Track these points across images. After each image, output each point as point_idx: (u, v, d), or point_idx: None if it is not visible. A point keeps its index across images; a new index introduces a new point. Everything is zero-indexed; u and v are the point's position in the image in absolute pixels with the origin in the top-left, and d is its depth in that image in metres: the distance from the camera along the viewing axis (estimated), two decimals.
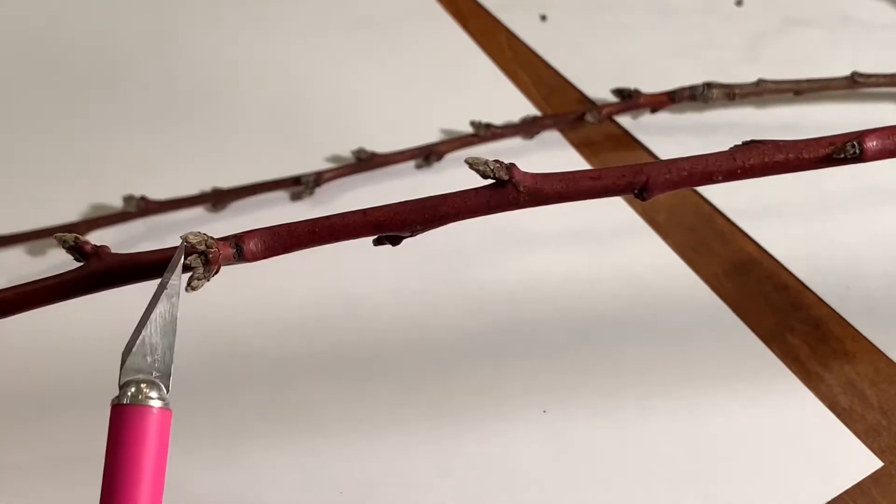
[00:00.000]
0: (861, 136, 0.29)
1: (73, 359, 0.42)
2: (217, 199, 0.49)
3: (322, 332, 0.43)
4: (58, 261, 0.44)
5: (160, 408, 0.24)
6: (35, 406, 0.41)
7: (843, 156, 0.29)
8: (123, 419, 0.24)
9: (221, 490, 0.38)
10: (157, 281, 0.26)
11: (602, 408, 0.40)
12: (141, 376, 0.25)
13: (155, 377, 0.25)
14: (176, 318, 0.25)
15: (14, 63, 0.61)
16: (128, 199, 0.49)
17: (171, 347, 0.25)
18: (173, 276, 0.26)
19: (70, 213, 0.49)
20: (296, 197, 0.50)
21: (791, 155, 0.29)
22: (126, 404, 0.24)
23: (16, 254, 0.48)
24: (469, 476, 0.38)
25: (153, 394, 0.24)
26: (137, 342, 0.25)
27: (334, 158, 0.52)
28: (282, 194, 0.51)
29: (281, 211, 0.50)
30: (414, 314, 0.44)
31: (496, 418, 0.40)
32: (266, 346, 0.43)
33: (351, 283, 0.45)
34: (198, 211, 0.50)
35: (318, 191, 0.50)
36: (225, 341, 0.43)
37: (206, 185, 0.50)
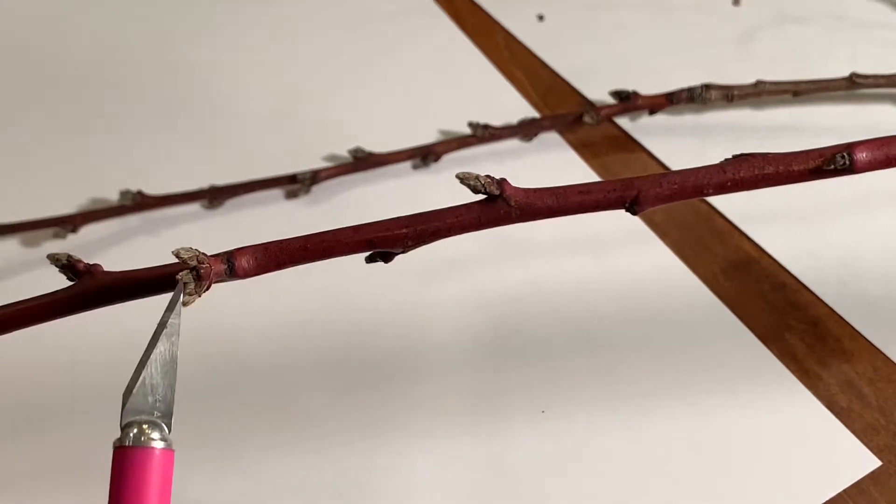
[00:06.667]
0: (851, 147, 0.29)
1: (71, 369, 0.42)
2: (213, 195, 0.49)
3: (319, 335, 0.43)
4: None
5: (163, 449, 0.24)
6: (32, 416, 0.40)
7: (833, 167, 0.29)
8: (126, 461, 0.24)
9: (220, 494, 0.37)
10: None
11: (600, 407, 0.40)
12: (142, 417, 0.25)
13: (157, 417, 0.25)
14: (176, 357, 0.25)
15: (16, 58, 0.61)
16: (124, 193, 0.49)
17: (172, 387, 0.25)
18: (172, 315, 0.26)
19: (67, 205, 0.49)
20: (292, 195, 0.50)
21: (781, 167, 0.29)
22: (128, 446, 0.24)
23: (10, 245, 0.48)
24: (468, 477, 0.37)
25: (155, 435, 0.24)
26: (138, 383, 0.25)
27: (331, 157, 0.52)
28: (278, 192, 0.50)
29: (276, 209, 0.50)
30: (412, 316, 0.44)
31: (495, 419, 0.39)
32: (263, 349, 0.43)
33: (348, 285, 0.45)
34: (194, 207, 0.50)
35: (315, 189, 0.50)
36: (222, 346, 0.43)
37: (202, 182, 0.50)
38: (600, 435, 0.39)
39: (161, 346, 0.25)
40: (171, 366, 0.25)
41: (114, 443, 0.24)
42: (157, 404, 0.25)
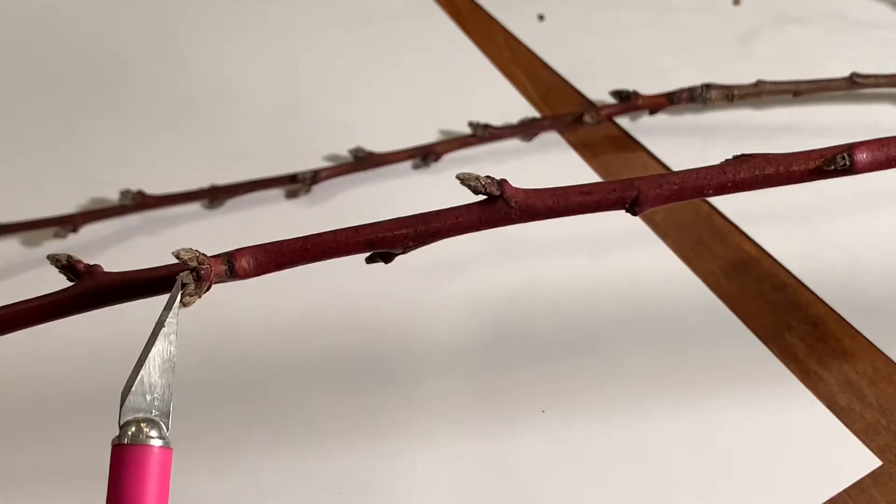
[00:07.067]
0: (851, 148, 0.29)
1: (71, 369, 0.42)
2: (213, 195, 0.49)
3: (320, 335, 0.43)
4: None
5: (161, 447, 0.24)
6: (32, 416, 0.40)
7: (833, 168, 0.29)
8: (124, 459, 0.24)
9: (220, 494, 0.37)
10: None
11: (601, 407, 0.40)
12: (141, 415, 0.25)
13: (155, 416, 0.25)
14: (174, 357, 0.26)
15: (16, 58, 0.61)
16: (125, 192, 0.49)
17: (170, 386, 0.25)
18: (170, 315, 0.26)
19: (67, 204, 0.49)
20: (292, 195, 0.50)
21: (781, 168, 0.29)
22: (126, 444, 0.24)
23: (10, 245, 0.48)
24: (468, 477, 0.37)
25: (153, 433, 0.24)
26: (136, 381, 0.25)
27: (332, 157, 0.52)
28: (278, 192, 0.50)
29: (277, 209, 0.50)
30: (413, 316, 0.44)
31: (495, 419, 0.39)
32: (264, 349, 0.43)
33: (349, 284, 0.45)
34: (194, 207, 0.50)
35: (315, 189, 0.50)
36: (222, 345, 0.43)
37: (203, 182, 0.50)
38: (600, 435, 0.39)
39: (159, 346, 0.25)
40: (168, 365, 0.25)
41: (112, 441, 0.24)
42: (156, 403, 0.25)
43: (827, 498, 0.36)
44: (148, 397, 0.25)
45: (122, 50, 0.62)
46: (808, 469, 0.37)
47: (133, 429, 0.24)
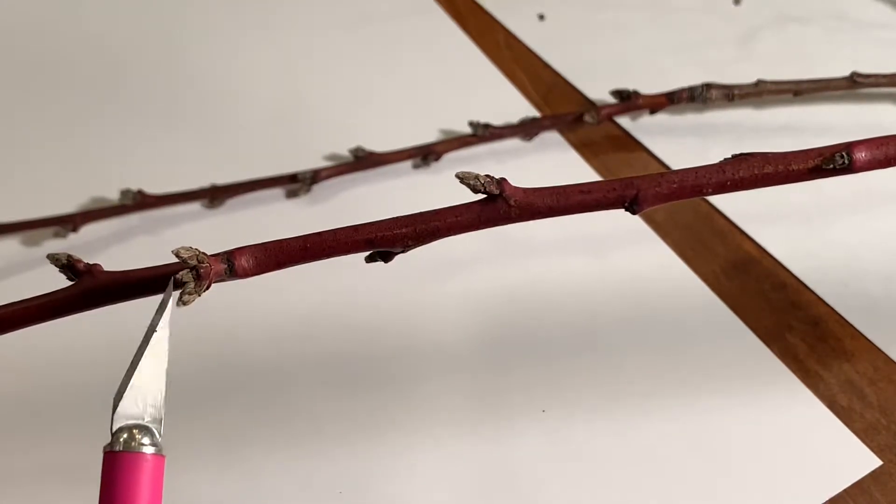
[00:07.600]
0: (850, 146, 0.29)
1: (70, 369, 0.42)
2: (213, 195, 0.49)
3: (320, 334, 0.43)
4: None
5: (153, 454, 0.24)
6: (31, 416, 0.40)
7: (832, 166, 0.29)
8: (116, 466, 0.24)
9: (220, 494, 0.37)
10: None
11: (601, 407, 0.40)
12: (133, 422, 0.24)
13: (147, 422, 0.25)
14: (166, 361, 0.25)
15: (17, 58, 0.61)
16: (125, 192, 0.49)
17: (162, 392, 0.25)
18: (162, 318, 0.26)
19: (67, 204, 0.49)
20: (292, 194, 0.50)
21: (780, 167, 0.29)
22: (119, 451, 0.24)
23: (10, 244, 0.48)
24: (468, 477, 0.37)
25: (145, 440, 0.24)
26: (128, 388, 0.25)
27: (332, 157, 0.52)
28: (278, 192, 0.50)
29: (277, 208, 0.50)
30: (412, 315, 0.44)
31: (495, 419, 0.39)
32: (263, 348, 0.43)
33: (348, 284, 0.45)
34: (194, 206, 0.50)
35: (315, 188, 0.50)
36: (222, 344, 0.43)
37: (203, 181, 0.50)
38: (600, 435, 0.39)
39: (151, 351, 0.25)
40: (161, 370, 0.25)
41: (104, 448, 0.24)
42: (148, 409, 0.25)
43: (827, 498, 0.36)
44: (140, 403, 0.25)
45: (122, 50, 0.62)
46: (808, 469, 0.37)
47: (125, 436, 0.24)
